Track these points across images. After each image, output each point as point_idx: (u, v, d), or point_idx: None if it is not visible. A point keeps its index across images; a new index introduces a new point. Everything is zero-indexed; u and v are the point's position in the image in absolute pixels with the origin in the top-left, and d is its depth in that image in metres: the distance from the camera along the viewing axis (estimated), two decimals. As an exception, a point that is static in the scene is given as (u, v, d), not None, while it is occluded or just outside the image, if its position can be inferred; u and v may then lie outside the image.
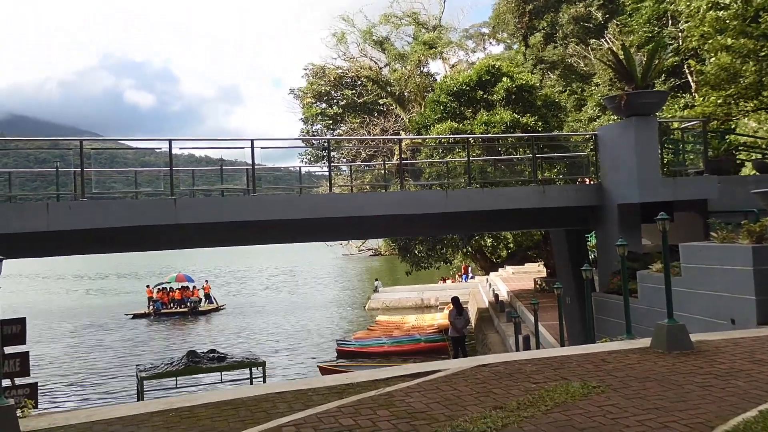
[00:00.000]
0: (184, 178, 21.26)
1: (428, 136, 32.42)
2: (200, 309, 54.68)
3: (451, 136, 29.43)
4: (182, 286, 57.97)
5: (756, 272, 11.02)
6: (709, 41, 23.97)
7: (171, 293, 56.97)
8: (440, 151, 30.21)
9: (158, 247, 19.96)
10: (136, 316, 53.22)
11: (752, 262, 11.07)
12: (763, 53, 22.43)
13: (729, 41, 22.86)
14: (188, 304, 55.10)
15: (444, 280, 60.54)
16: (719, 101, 24.59)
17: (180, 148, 20.09)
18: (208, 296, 57.18)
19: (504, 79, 32.41)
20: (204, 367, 20.95)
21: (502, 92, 31.82)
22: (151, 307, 54.44)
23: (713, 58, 25.06)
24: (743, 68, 23.47)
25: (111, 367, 33.68)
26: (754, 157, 23.04)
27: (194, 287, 58.00)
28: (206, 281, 59.29)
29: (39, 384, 15.65)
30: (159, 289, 57.66)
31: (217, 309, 55.77)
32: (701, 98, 26.57)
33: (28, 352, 13.79)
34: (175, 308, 55.10)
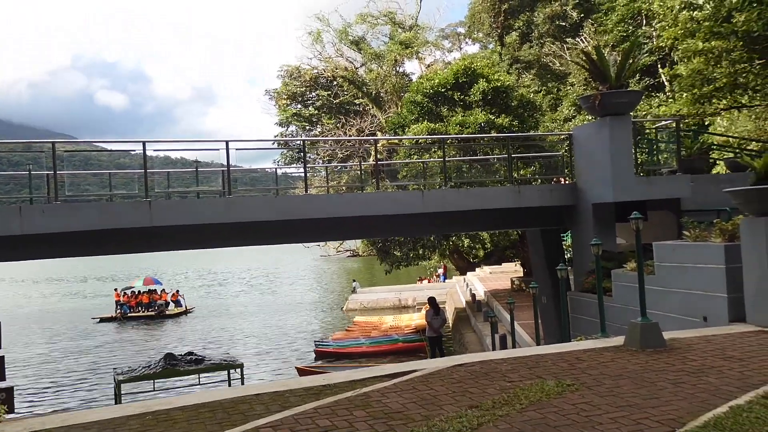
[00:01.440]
0: (159, 180, 21.18)
1: (404, 137, 32.47)
2: (167, 312, 54.27)
3: (428, 136, 29.49)
4: (149, 290, 57.66)
5: (728, 270, 11.14)
6: (682, 45, 24.13)
7: (138, 296, 56.57)
8: (417, 151, 30.27)
9: (134, 250, 19.83)
10: (103, 320, 52.91)
11: (724, 261, 11.19)
12: (735, 54, 22.61)
13: (700, 45, 23.02)
14: (155, 307, 54.72)
15: (421, 280, 60.68)
16: (692, 100, 24.77)
17: (155, 150, 20.08)
18: (177, 302, 56.75)
19: (480, 80, 32.50)
20: (182, 369, 20.85)
21: (478, 94, 31.92)
22: (119, 311, 53.94)
23: (686, 62, 25.25)
24: (716, 71, 23.66)
25: (85, 371, 33.52)
26: (726, 156, 23.25)
27: (162, 290, 57.70)
28: (177, 291, 58.80)
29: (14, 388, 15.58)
30: (126, 292, 57.25)
31: (186, 312, 55.43)
32: (674, 100, 26.78)
33: (3, 357, 13.72)
34: (143, 311, 54.68)
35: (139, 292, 57.45)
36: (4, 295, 79.67)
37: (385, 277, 58.19)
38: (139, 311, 54.80)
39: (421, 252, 37.72)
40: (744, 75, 23.30)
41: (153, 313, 53.98)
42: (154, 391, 22.84)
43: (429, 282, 59.76)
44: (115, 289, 58.56)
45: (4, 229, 15.32)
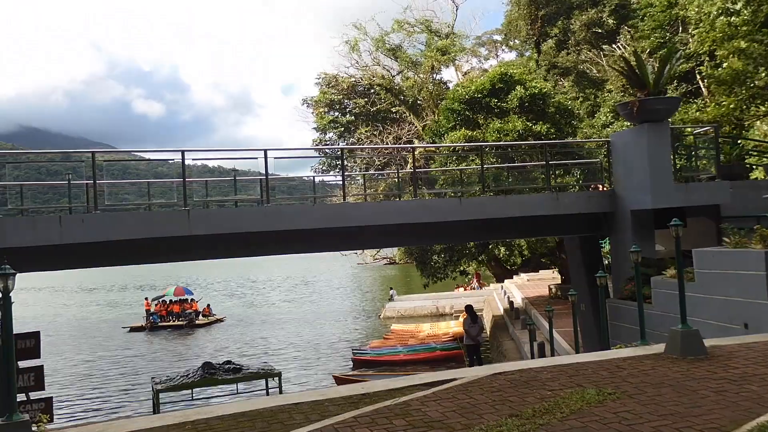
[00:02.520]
0: (197, 189, 21.31)
1: (441, 144, 32.42)
2: (197, 322, 54.24)
3: (465, 144, 29.42)
4: (180, 299, 57.84)
5: (770, 277, 11.01)
6: (722, 48, 23.91)
7: (169, 306, 56.73)
8: (454, 158, 30.22)
9: (172, 259, 19.94)
10: (133, 329, 53.16)
11: (765, 267, 11.07)
12: None
13: (742, 44, 22.78)
14: (185, 316, 54.72)
15: (459, 288, 60.43)
16: (731, 105, 24.51)
17: (193, 159, 20.19)
18: (206, 315, 56.54)
19: (517, 87, 32.40)
20: (220, 378, 20.96)
21: (515, 101, 31.82)
22: (149, 321, 54.04)
23: (726, 63, 24.99)
24: (755, 73, 23.40)
25: (120, 380, 33.81)
26: (765, 162, 22.95)
27: (192, 300, 57.83)
28: (207, 305, 58.67)
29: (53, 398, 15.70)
30: (157, 302, 57.46)
31: (217, 321, 55.49)
32: (713, 103, 26.50)
33: (42, 366, 13.83)
34: (173, 321, 54.80)
35: (170, 301, 57.66)
36: (42, 304, 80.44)
37: (422, 285, 58.16)
38: (170, 321, 54.91)
39: (458, 261, 37.59)
40: None
41: (183, 322, 54.00)
42: (192, 400, 22.97)
43: (465, 290, 59.50)
44: (146, 299, 58.74)
45: (44, 239, 15.48)
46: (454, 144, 30.42)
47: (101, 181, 17.80)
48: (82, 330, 55.42)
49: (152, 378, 23.17)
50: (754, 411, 6.46)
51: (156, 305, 56.59)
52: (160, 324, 53.86)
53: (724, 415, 6.36)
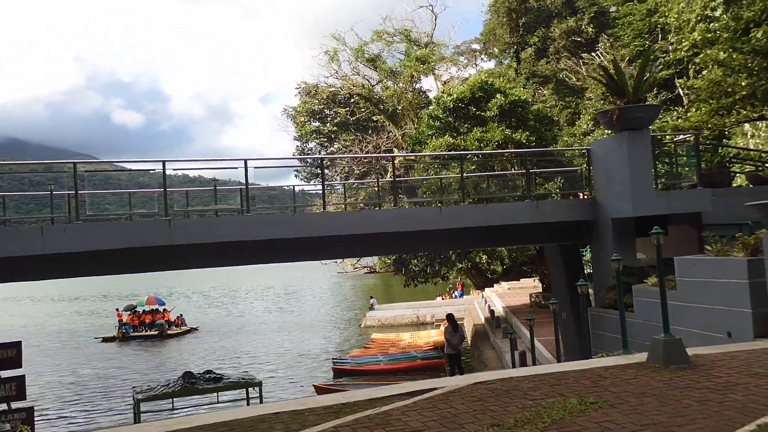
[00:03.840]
0: (178, 199, 21.27)
1: (421, 153, 32.45)
2: (169, 332, 53.57)
3: (444, 153, 29.47)
4: (153, 309, 57.31)
5: (751, 285, 11.03)
6: (700, 55, 24.04)
7: (142, 316, 56.13)
8: (435, 166, 30.27)
9: (153, 269, 19.90)
10: (105, 340, 52.63)
11: (747, 275, 11.08)
12: (755, 68, 22.42)
13: (721, 55, 22.90)
14: (158, 327, 54.08)
15: (439, 297, 60.25)
16: (710, 111, 24.64)
17: (173, 169, 20.10)
18: (178, 326, 55.76)
19: (498, 95, 32.50)
20: (200, 388, 20.89)
21: (495, 109, 31.91)
22: (121, 331, 53.28)
23: (705, 72, 25.13)
24: (735, 83, 23.53)
25: (102, 390, 33.51)
26: (747, 169, 23.09)
27: (164, 310, 57.29)
28: (179, 315, 57.80)
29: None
30: (129, 312, 56.80)
31: (189, 331, 54.93)
32: (694, 110, 26.63)
33: (24, 376, 13.75)
34: (145, 331, 54.11)
35: (143, 311, 57.09)
36: (18, 314, 79.68)
37: (403, 294, 57.95)
38: (141, 331, 54.18)
39: (438, 268, 37.69)
40: (763, 87, 23.14)
41: (155, 333, 53.38)
42: (173, 409, 22.85)
43: (444, 299, 59.38)
44: (117, 309, 57.81)
45: (26, 249, 15.38)
46: (434, 153, 30.47)
47: (83, 191, 17.71)
48: (52, 340, 54.79)
49: (133, 387, 23.07)
50: (737, 420, 6.43)
51: (128, 315, 55.90)
52: (132, 334, 53.24)
53: (708, 425, 6.33)
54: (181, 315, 58.00)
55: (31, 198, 22.49)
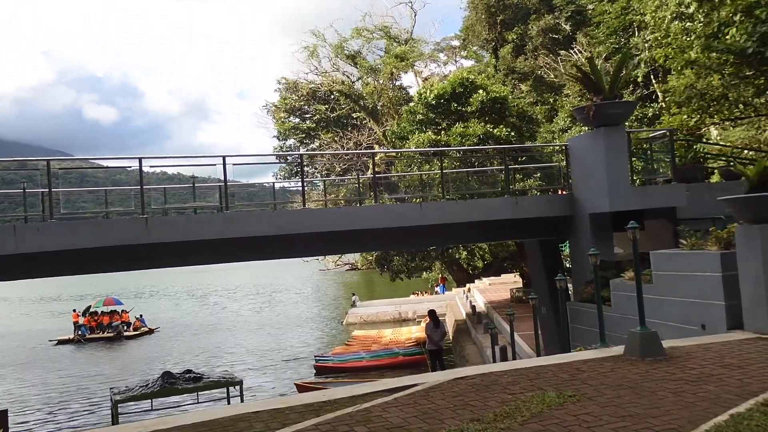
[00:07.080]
0: (156, 197, 21.14)
1: (402, 150, 32.48)
2: (126, 333, 52.76)
3: (425, 149, 29.50)
4: (111, 310, 56.50)
5: (724, 278, 11.15)
6: (675, 60, 24.19)
7: (99, 317, 55.27)
8: (417, 162, 30.30)
9: (131, 267, 19.74)
10: (61, 342, 51.62)
11: (721, 268, 11.20)
12: (728, 69, 22.53)
13: (693, 56, 23.02)
14: (114, 328, 53.35)
15: (417, 294, 59.85)
16: (685, 116, 24.82)
17: (151, 166, 20.01)
18: (136, 328, 54.69)
19: (479, 91, 32.58)
20: (180, 387, 20.77)
21: (476, 104, 31.98)
22: (78, 333, 52.48)
23: (678, 76, 25.29)
24: (708, 84, 23.70)
25: (74, 392, 33.19)
26: (720, 165, 23.29)
27: (123, 311, 56.49)
28: (138, 316, 56.57)
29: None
30: (87, 313, 56.03)
31: (149, 332, 54.10)
32: (669, 116, 26.83)
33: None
34: (103, 333, 53.27)
35: (101, 312, 56.17)
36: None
37: (385, 291, 57.97)
38: (99, 333, 53.31)
39: (419, 263, 37.78)
40: (735, 88, 23.32)
41: (111, 334, 52.48)
42: (152, 410, 22.74)
43: (428, 295, 59.21)
44: (74, 310, 56.66)
45: (-2, 249, 15.24)
46: (414, 150, 30.49)
47: (57, 189, 17.57)
48: (8, 343, 53.70)
49: (111, 388, 22.90)
50: (711, 411, 6.53)
51: (85, 317, 55.09)
52: (89, 336, 52.40)
53: (682, 416, 6.42)
54: (141, 316, 56.92)
55: (4, 196, 22.22)
